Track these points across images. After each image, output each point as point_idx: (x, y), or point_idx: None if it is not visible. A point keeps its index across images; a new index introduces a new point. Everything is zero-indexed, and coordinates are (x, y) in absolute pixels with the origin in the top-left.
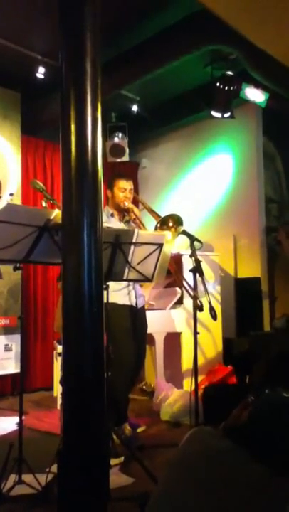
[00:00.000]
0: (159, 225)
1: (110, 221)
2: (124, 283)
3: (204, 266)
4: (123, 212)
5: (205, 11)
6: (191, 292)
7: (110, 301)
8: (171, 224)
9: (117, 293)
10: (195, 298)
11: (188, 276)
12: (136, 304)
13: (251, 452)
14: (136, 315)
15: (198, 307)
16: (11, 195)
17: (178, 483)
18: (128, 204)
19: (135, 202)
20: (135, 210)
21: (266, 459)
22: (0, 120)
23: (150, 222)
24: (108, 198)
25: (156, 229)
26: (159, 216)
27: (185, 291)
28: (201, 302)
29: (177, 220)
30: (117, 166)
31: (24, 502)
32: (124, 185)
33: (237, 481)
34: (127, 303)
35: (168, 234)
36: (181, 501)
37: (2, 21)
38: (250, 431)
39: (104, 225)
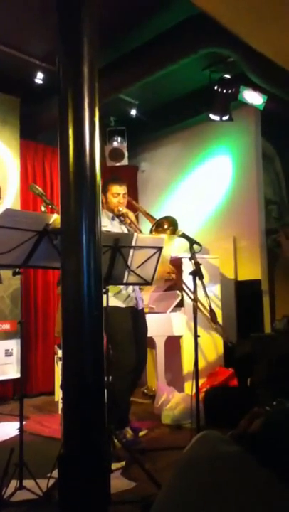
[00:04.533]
0: (154, 227)
1: (113, 224)
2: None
3: (204, 269)
4: (119, 218)
5: (202, 14)
6: (191, 295)
7: (112, 304)
8: (166, 226)
9: (118, 296)
10: (195, 301)
11: (188, 279)
12: (137, 306)
13: (261, 458)
14: (137, 317)
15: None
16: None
17: (183, 486)
18: (122, 209)
19: (130, 206)
20: (130, 214)
21: (277, 466)
22: None
23: (147, 226)
24: (102, 203)
25: (151, 231)
26: (154, 219)
27: (186, 294)
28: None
29: (172, 222)
30: (116, 169)
31: (26, 507)
32: (117, 190)
33: (245, 485)
34: (129, 305)
35: (164, 236)
36: (187, 505)
37: (0, 27)
38: (263, 438)
39: (108, 228)
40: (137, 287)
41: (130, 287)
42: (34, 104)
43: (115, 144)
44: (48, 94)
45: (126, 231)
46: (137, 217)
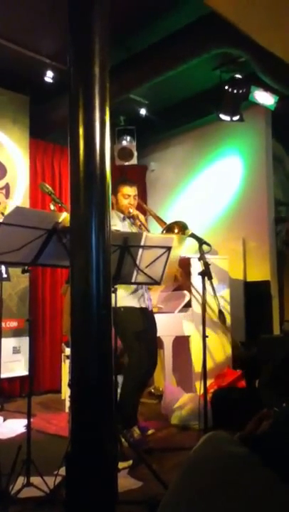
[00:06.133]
0: (164, 232)
1: (123, 224)
2: (137, 285)
3: (213, 269)
4: (129, 219)
5: (213, 14)
6: (200, 299)
7: (126, 304)
8: (176, 230)
9: (132, 296)
10: (204, 301)
11: (197, 279)
12: (147, 307)
13: (268, 460)
14: (149, 318)
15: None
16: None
17: (190, 486)
18: (133, 211)
19: (140, 208)
20: (140, 216)
21: (283, 468)
22: (9, 123)
23: (156, 229)
24: (112, 204)
25: None
26: (164, 222)
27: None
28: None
29: (183, 227)
30: (125, 169)
31: (32, 504)
32: (127, 192)
33: (250, 486)
34: (141, 305)
35: (174, 237)
36: (193, 505)
37: (11, 25)
38: (271, 440)
39: (116, 227)
40: (147, 288)
41: (143, 287)
42: (43, 103)
43: (124, 143)
44: (58, 93)
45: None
46: (146, 220)
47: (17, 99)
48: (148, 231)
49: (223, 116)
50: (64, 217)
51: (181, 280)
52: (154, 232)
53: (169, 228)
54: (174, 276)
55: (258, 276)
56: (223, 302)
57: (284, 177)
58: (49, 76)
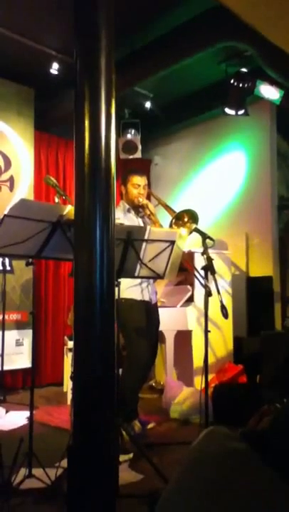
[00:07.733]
0: (174, 220)
1: (127, 216)
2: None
3: (216, 264)
4: (138, 208)
5: (220, 8)
6: (202, 281)
7: (128, 296)
8: (186, 219)
9: (134, 288)
10: (207, 293)
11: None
12: (150, 300)
13: (267, 457)
14: (151, 311)
15: (208, 293)
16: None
17: (191, 482)
18: (142, 200)
19: (150, 198)
20: (150, 206)
21: (281, 466)
22: (14, 116)
23: (165, 218)
24: (122, 194)
25: (171, 224)
26: (174, 212)
27: (197, 282)
28: (210, 288)
29: (192, 216)
30: (129, 162)
31: (34, 496)
32: (137, 181)
33: (249, 483)
34: (143, 298)
35: (182, 230)
36: (193, 501)
37: (17, 17)
38: (271, 437)
39: (121, 220)
40: (151, 281)
41: (145, 281)
42: (49, 96)
43: (129, 136)
44: (63, 85)
45: (141, 223)
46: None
47: (22, 92)
48: (157, 220)
49: (228, 111)
50: (68, 210)
51: (189, 269)
52: (164, 222)
53: (178, 217)
54: (178, 266)
55: (261, 271)
56: (226, 297)
57: (288, 173)
58: (54, 68)
